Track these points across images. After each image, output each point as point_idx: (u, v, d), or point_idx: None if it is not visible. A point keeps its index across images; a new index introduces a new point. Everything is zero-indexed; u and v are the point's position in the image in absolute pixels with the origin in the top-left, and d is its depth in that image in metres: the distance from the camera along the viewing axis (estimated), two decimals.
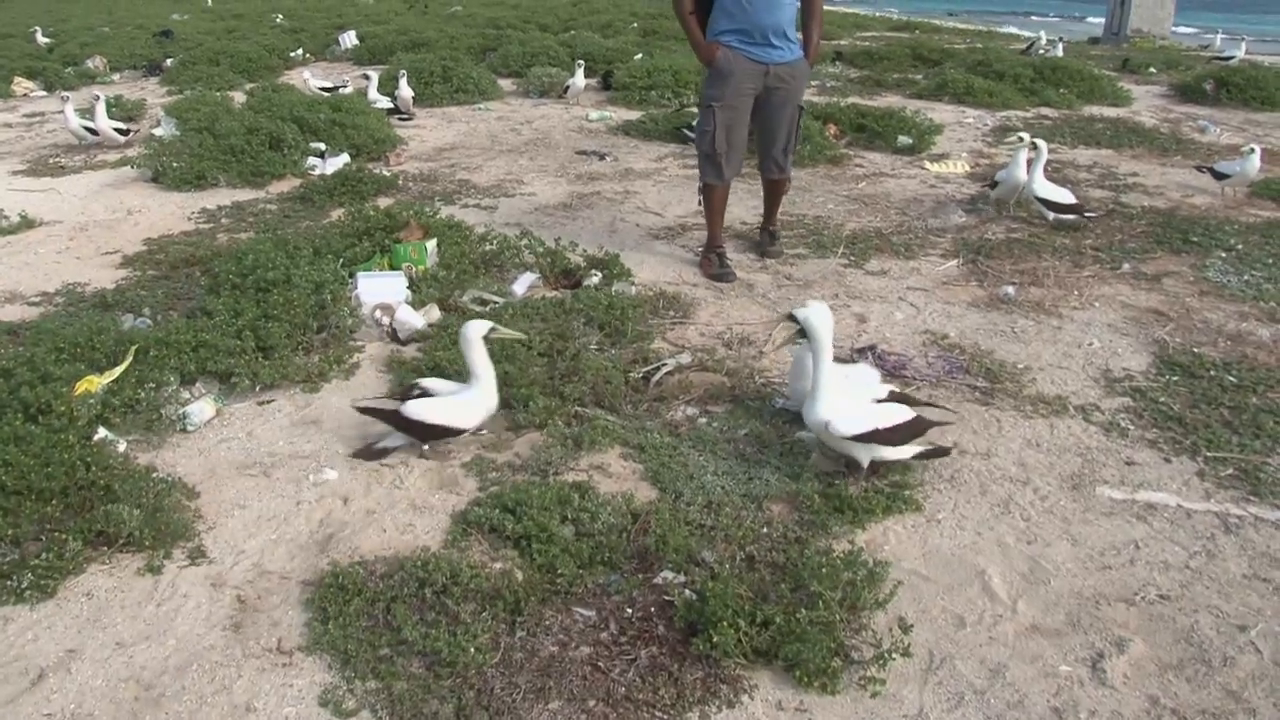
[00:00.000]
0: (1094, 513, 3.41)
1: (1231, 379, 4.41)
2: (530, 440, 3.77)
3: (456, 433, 3.60)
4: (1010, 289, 5.39)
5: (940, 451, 3.58)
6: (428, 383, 3.70)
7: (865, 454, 3.46)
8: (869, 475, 3.50)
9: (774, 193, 5.92)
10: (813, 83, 12.02)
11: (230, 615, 2.86)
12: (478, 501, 3.34)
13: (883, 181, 7.75)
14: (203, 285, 5.06)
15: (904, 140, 8.64)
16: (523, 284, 5.10)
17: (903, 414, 3.46)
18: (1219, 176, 7.44)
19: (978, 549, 3.19)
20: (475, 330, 3.55)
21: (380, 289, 4.77)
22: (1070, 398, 4.23)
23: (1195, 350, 4.73)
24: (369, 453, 3.66)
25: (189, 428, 3.85)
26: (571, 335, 4.42)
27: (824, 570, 2.80)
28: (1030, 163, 6.53)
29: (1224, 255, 6.10)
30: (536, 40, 13.71)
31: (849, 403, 3.51)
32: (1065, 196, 6.51)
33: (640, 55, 12.37)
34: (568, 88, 10.50)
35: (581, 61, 10.58)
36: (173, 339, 4.12)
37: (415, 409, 3.53)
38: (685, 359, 4.36)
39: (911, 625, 2.67)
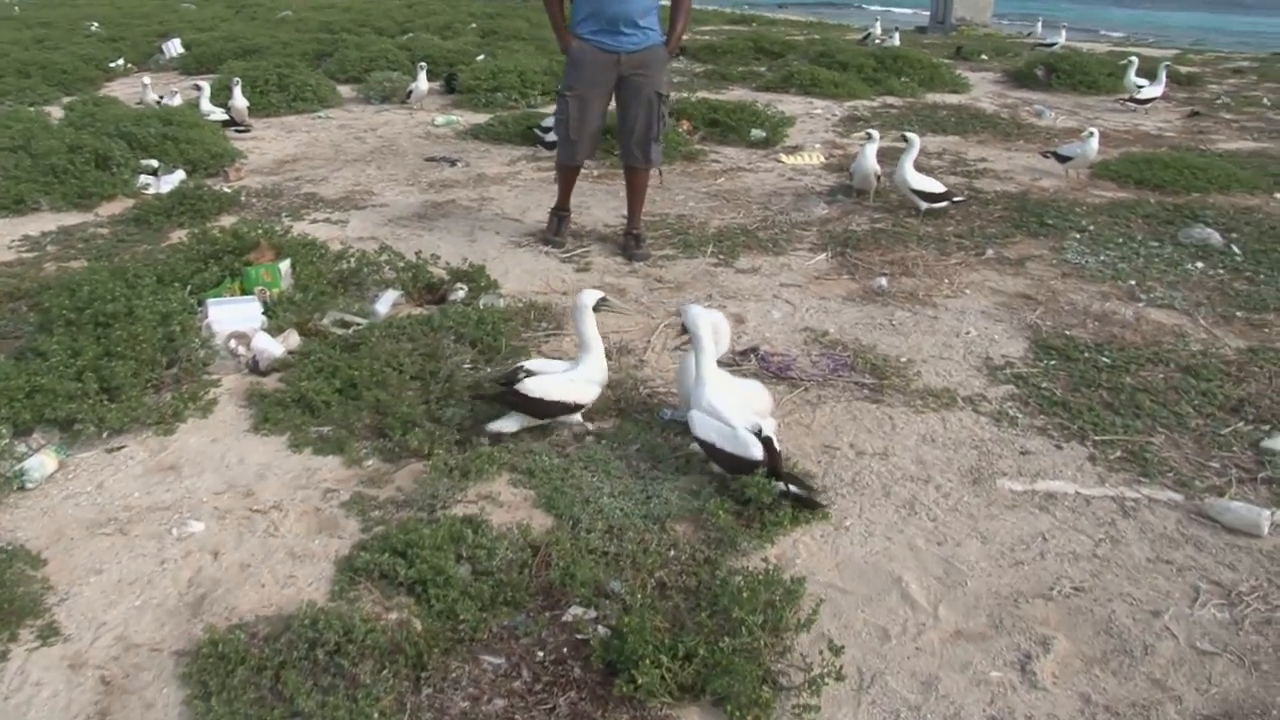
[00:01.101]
0: (998, 506, 3.42)
1: (1105, 360, 4.54)
2: (412, 472, 3.54)
3: (575, 408, 3.63)
4: (883, 280, 5.44)
5: (814, 505, 3.37)
6: (533, 364, 3.71)
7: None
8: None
9: (637, 186, 5.87)
10: None
11: (95, 701, 2.54)
12: (363, 545, 3.10)
13: (741, 176, 7.76)
14: (31, 322, 4.58)
15: (757, 134, 8.69)
16: (385, 302, 4.83)
17: (753, 451, 3.33)
18: (1062, 160, 7.77)
19: (890, 555, 3.15)
20: (587, 299, 3.62)
21: (233, 316, 4.43)
22: (957, 389, 4.26)
23: (1067, 333, 4.86)
24: (490, 436, 3.64)
25: (28, 485, 3.44)
26: (443, 355, 4.20)
27: (743, 594, 2.68)
28: (901, 155, 6.69)
29: (1078, 237, 6.34)
30: (374, 44, 13.23)
31: (722, 407, 3.43)
32: (936, 186, 6.66)
33: (482, 56, 12.10)
34: (410, 92, 10.16)
35: (423, 65, 10.26)
36: (1, 385, 3.70)
37: (533, 386, 3.55)
38: None
39: (842, 647, 2.59)
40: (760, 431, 3.40)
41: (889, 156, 7.34)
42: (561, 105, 5.47)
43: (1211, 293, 5.45)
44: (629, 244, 5.91)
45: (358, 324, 4.55)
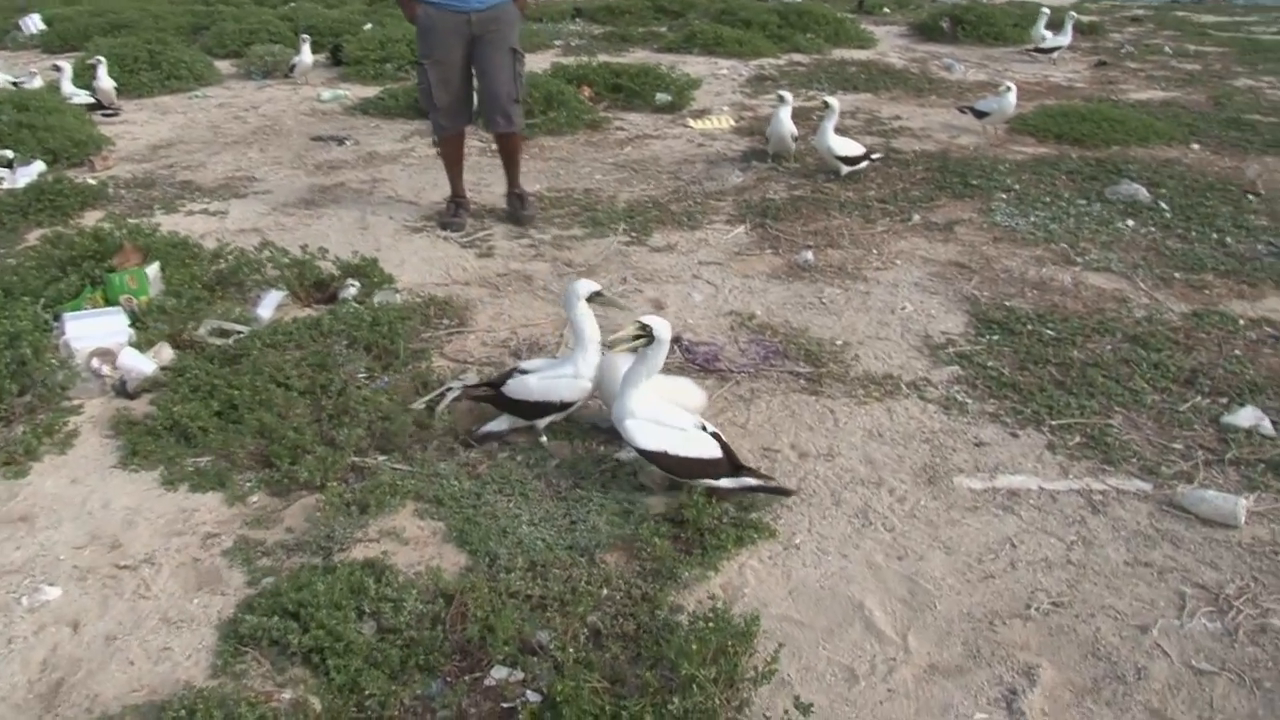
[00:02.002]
0: (958, 510, 3.15)
1: (1050, 332, 4.32)
2: (304, 507, 3.11)
3: (561, 408, 3.39)
4: (809, 254, 5.13)
5: (781, 491, 3.17)
6: (528, 363, 3.53)
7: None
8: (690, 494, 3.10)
9: (508, 151, 5.67)
10: (556, 43, 11.53)
11: None
12: (250, 604, 2.67)
13: (648, 144, 7.38)
14: None
15: (663, 98, 8.31)
16: (269, 305, 4.33)
17: (708, 450, 3.04)
18: (979, 115, 7.57)
19: (848, 576, 2.84)
20: (581, 289, 3.36)
21: (95, 331, 3.90)
22: (900, 374, 3.98)
23: (1007, 304, 4.63)
24: (472, 438, 3.44)
25: None
26: (335, 364, 3.75)
27: (691, 644, 2.34)
28: (819, 119, 6.40)
29: (1005, 197, 6.13)
30: (253, 15, 12.34)
31: (660, 412, 3.09)
32: (855, 148, 6.39)
33: (370, 25, 11.40)
34: (294, 66, 9.47)
35: (306, 36, 9.56)
36: None
37: (515, 387, 3.37)
38: (472, 378, 3.79)
39: (810, 705, 2.26)
40: (705, 428, 3.09)
41: (800, 117, 7.04)
42: (421, 75, 5.31)
43: (1147, 253, 5.28)
44: (513, 204, 5.70)
45: (238, 332, 4.05)
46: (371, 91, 8.55)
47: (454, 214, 5.57)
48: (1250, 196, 6.20)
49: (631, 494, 3.15)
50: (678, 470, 3.05)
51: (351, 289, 4.49)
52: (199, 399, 3.53)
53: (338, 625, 2.48)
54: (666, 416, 3.08)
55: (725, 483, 3.08)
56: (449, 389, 3.69)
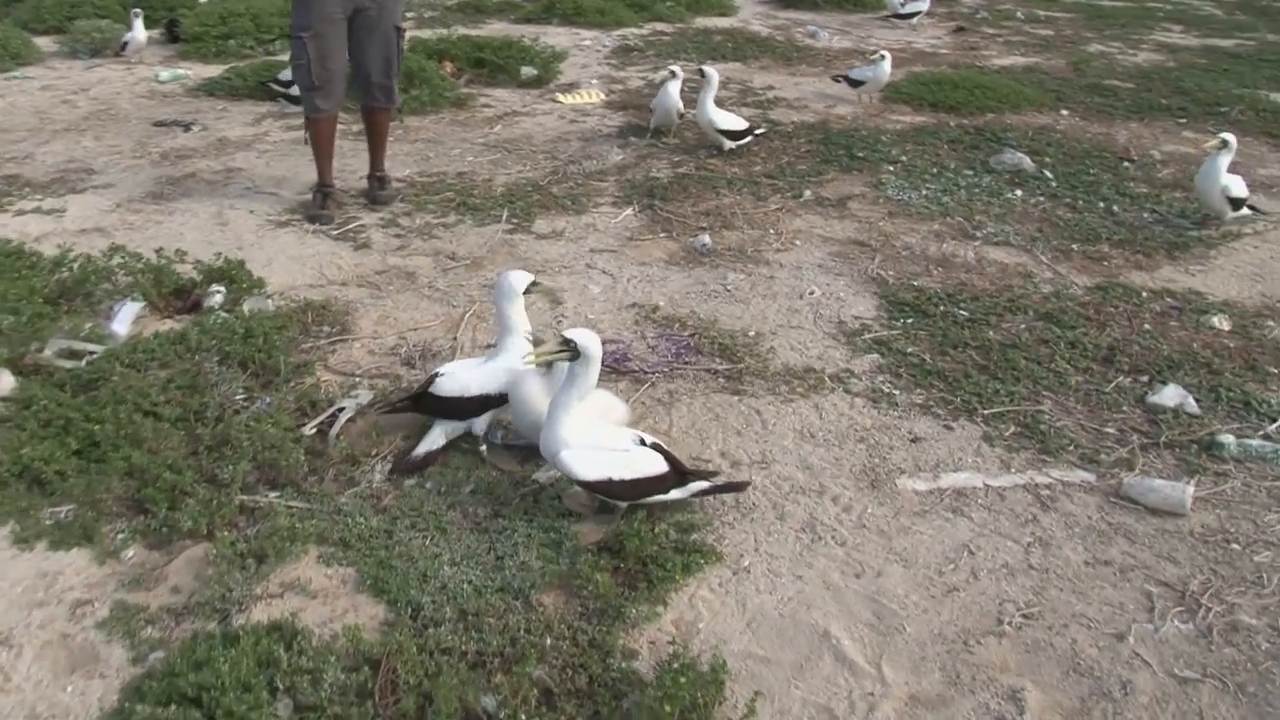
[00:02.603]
0: (906, 515, 2.99)
1: (963, 313, 4.24)
2: (190, 560, 2.72)
3: (502, 400, 3.13)
4: (706, 238, 4.91)
5: (735, 487, 2.98)
6: (446, 367, 3.26)
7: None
8: (625, 515, 2.86)
9: (379, 129, 5.35)
10: (409, 15, 10.91)
11: None
12: (139, 688, 2.27)
13: (518, 122, 7.02)
14: None
15: (529, 71, 7.95)
16: (125, 318, 3.83)
17: (654, 466, 2.81)
18: (854, 84, 7.50)
19: (807, 600, 2.65)
20: (518, 282, 3.20)
21: None
22: (820, 366, 3.81)
23: (914, 283, 4.53)
24: (408, 465, 3.09)
25: None
26: (208, 385, 3.33)
27: (662, 706, 2.09)
28: (700, 92, 6.15)
29: (893, 169, 6.05)
30: None
31: (595, 435, 2.82)
32: (739, 123, 6.20)
33: None
34: (126, 44, 8.61)
35: (139, 11, 8.70)
36: None
37: (448, 385, 3.12)
38: (364, 395, 3.42)
39: None
40: (644, 441, 2.85)
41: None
42: (298, 48, 4.85)
43: (1041, 224, 5.27)
44: (373, 186, 5.37)
45: (91, 352, 3.56)
46: (215, 71, 7.86)
47: (321, 205, 5.13)
48: (1126, 164, 6.30)
49: (558, 520, 2.87)
50: (625, 495, 2.80)
51: (217, 296, 4.03)
52: (52, 436, 3.05)
53: (249, 711, 2.13)
54: (604, 439, 2.81)
55: (675, 494, 2.85)
56: (341, 408, 3.32)
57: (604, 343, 3.77)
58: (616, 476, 2.75)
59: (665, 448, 2.90)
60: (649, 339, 4.00)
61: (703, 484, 2.92)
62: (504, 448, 3.24)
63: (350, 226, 4.97)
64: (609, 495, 2.81)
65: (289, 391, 3.46)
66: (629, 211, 5.34)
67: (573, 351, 2.71)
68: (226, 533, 2.75)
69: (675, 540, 2.78)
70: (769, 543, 2.86)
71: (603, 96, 7.71)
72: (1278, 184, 6.01)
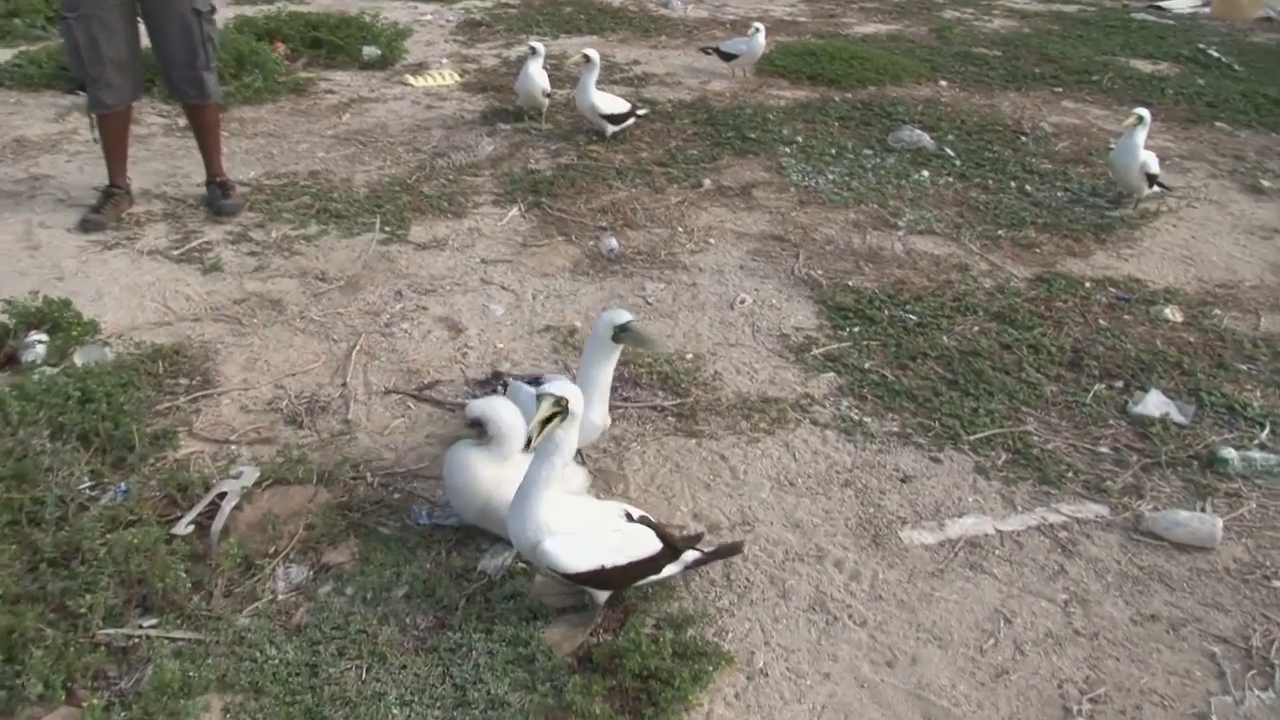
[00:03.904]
0: (922, 578, 2.62)
1: (911, 317, 3.93)
2: None
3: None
4: (613, 241, 4.43)
5: (729, 551, 2.55)
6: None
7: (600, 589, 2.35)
8: (605, 607, 2.39)
9: (203, 127, 4.63)
10: None
11: None
12: None
13: (369, 109, 6.32)
14: None
15: (371, 52, 7.22)
16: None
17: (647, 545, 2.35)
18: (726, 57, 7.15)
19: (844, 708, 2.24)
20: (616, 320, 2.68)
21: None
22: (775, 394, 3.42)
23: (848, 284, 4.20)
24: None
25: None
26: (40, 472, 2.66)
27: None
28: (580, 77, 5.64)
29: (789, 151, 5.71)
30: None
31: (578, 515, 2.33)
32: (620, 104, 5.71)
33: None
34: None
35: None
36: None
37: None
38: (249, 473, 2.81)
39: None
40: (630, 515, 2.38)
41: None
42: (66, 34, 4.16)
43: (960, 209, 5.03)
44: (213, 194, 4.66)
45: None
46: (2, 56, 6.79)
47: (97, 207, 4.43)
48: (1023, 138, 6.14)
49: (520, 626, 2.36)
50: (619, 583, 2.34)
51: (38, 347, 3.28)
52: None
53: None
54: (589, 517, 2.32)
55: (669, 570, 2.39)
56: (222, 494, 2.70)
57: (522, 379, 3.29)
58: (609, 564, 2.27)
59: (653, 520, 2.43)
60: (572, 370, 3.50)
61: (695, 554, 2.47)
62: (432, 528, 2.70)
63: (194, 245, 4.25)
64: (600, 586, 2.32)
65: (149, 474, 2.81)
66: (514, 212, 4.80)
67: (565, 411, 2.19)
68: (92, 694, 2.12)
69: (672, 641, 2.32)
70: (778, 632, 2.43)
71: (457, 78, 7.07)
72: (1164, 155, 5.93)
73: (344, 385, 3.35)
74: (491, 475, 2.52)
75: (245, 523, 2.66)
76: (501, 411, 2.51)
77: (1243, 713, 2.26)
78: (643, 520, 2.39)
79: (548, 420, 2.15)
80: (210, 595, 2.43)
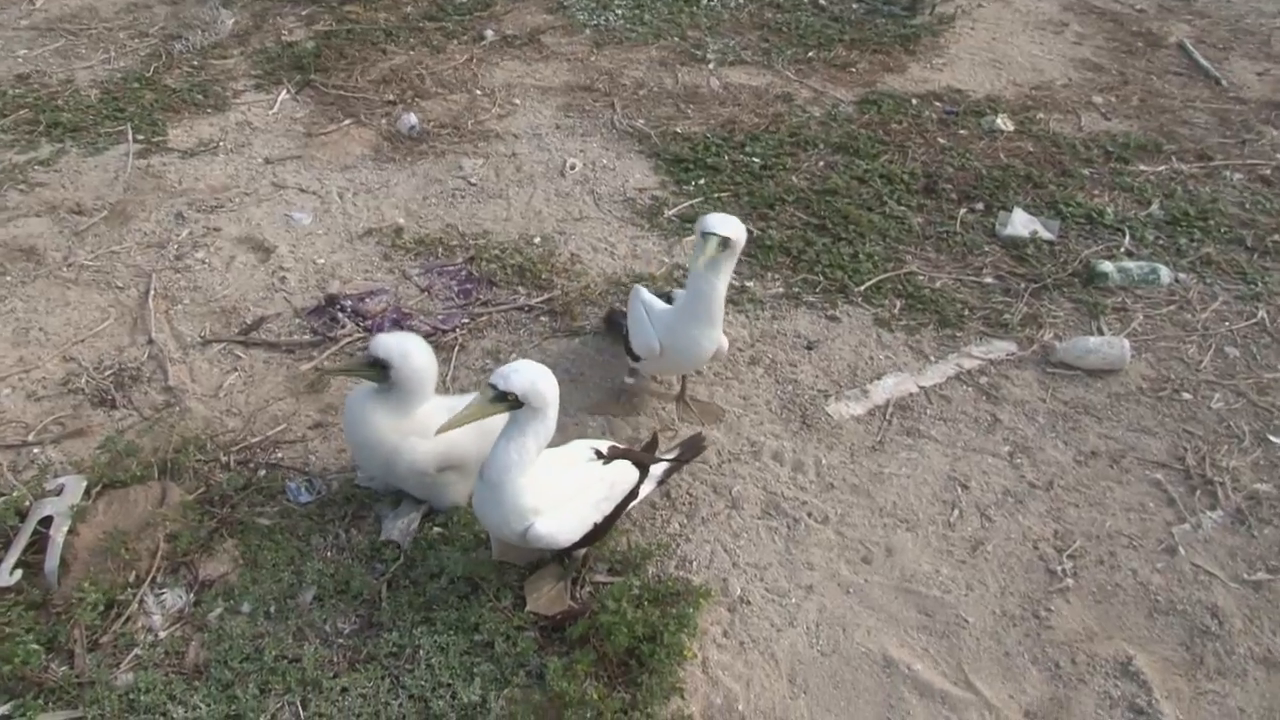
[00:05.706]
0: (865, 455, 2.52)
1: (754, 160, 3.73)
2: None
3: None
4: (411, 117, 3.94)
5: (693, 449, 2.31)
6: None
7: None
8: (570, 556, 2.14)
9: None
10: None
11: None
12: None
13: None
14: None
15: None
16: None
17: (627, 478, 2.08)
18: None
19: (838, 620, 2.12)
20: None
21: None
22: (643, 270, 3.16)
23: (676, 131, 3.93)
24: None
25: None
26: None
27: None
28: None
29: None
30: None
31: (559, 479, 2.01)
32: None
33: None
34: None
35: None
36: None
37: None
38: (71, 482, 2.30)
39: None
40: (600, 451, 2.10)
41: None
42: None
43: (762, 32, 4.79)
44: None
45: None
46: None
47: None
48: None
49: (461, 606, 2.07)
50: (608, 530, 2.07)
51: None
52: None
53: None
54: (569, 481, 2.00)
55: (646, 490, 2.19)
56: (46, 518, 2.19)
57: (360, 297, 2.91)
58: (600, 518, 2.01)
59: (621, 447, 2.14)
60: (415, 277, 3.10)
61: (668, 460, 2.22)
62: (321, 504, 2.32)
63: None
64: (592, 543, 2.06)
65: None
66: (284, 95, 4.18)
67: (512, 402, 1.83)
68: None
69: (643, 588, 2.08)
70: (742, 549, 2.25)
71: None
72: None
73: (150, 342, 2.82)
74: (396, 426, 2.13)
75: (86, 549, 2.17)
76: (412, 350, 2.09)
77: (1202, 537, 2.29)
78: (611, 451, 2.09)
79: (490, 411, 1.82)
80: (71, 655, 1.98)
